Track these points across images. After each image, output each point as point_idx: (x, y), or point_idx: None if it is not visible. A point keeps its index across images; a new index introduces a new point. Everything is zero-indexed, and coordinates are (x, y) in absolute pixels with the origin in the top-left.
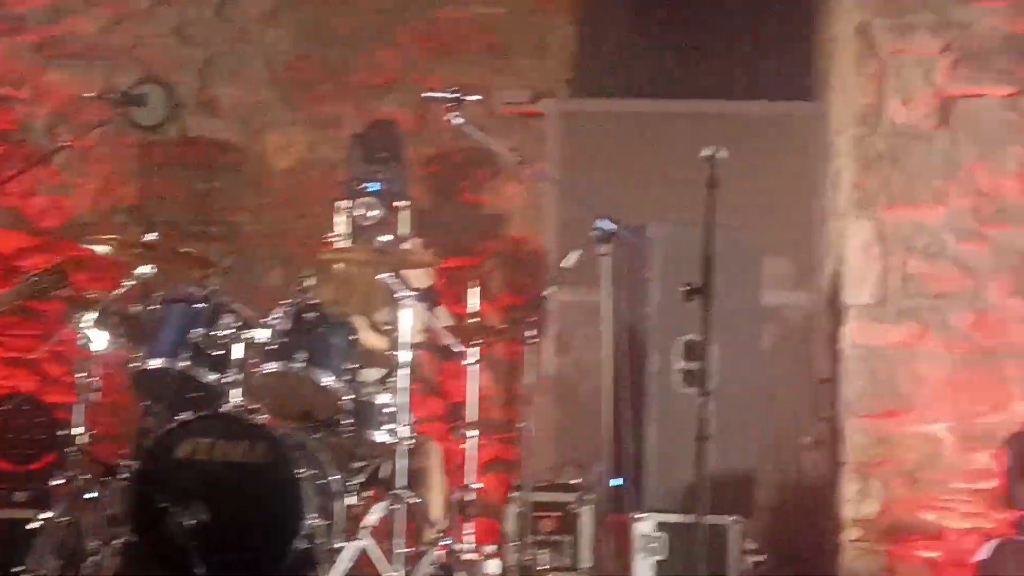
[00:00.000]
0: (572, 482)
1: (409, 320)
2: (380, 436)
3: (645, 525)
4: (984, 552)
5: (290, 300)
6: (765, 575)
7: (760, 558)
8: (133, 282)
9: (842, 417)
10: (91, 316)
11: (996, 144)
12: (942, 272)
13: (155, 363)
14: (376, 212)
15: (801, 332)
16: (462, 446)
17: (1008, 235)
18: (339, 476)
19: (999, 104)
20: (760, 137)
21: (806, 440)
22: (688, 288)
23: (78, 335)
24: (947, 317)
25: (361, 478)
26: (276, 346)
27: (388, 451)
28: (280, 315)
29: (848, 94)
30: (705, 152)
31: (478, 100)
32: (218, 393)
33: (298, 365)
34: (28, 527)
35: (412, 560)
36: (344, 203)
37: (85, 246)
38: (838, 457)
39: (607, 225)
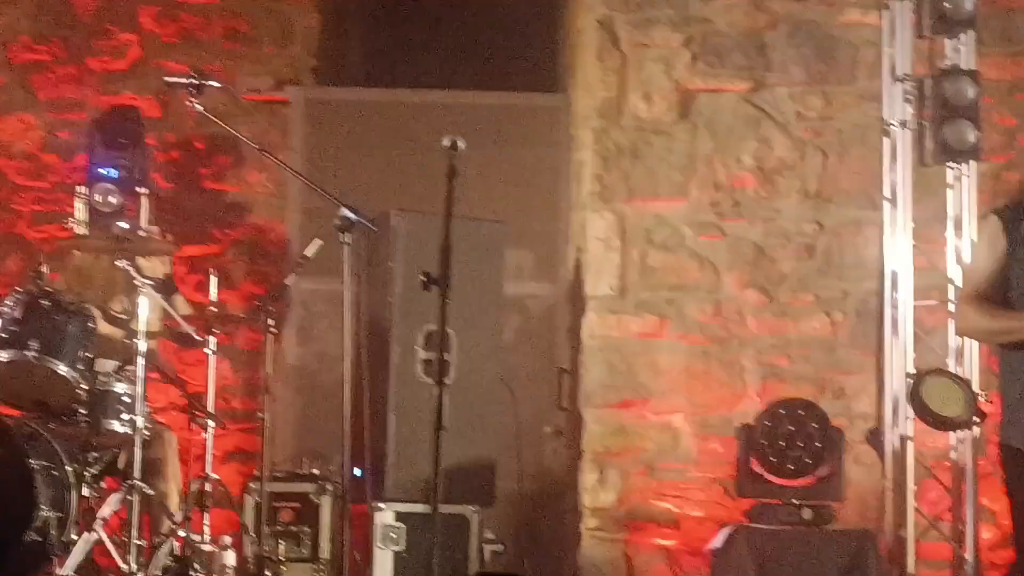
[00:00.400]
0: (312, 472)
1: (147, 308)
2: (116, 426)
3: (385, 515)
4: (718, 540)
5: (24, 287)
6: (505, 565)
7: (500, 548)
8: None
9: (582, 407)
10: None
11: (734, 138)
12: (680, 264)
13: None
14: (114, 199)
15: (543, 322)
16: (201, 436)
17: (744, 228)
18: (74, 467)
19: (737, 99)
20: (505, 128)
21: (547, 430)
22: (426, 278)
23: None
24: (685, 309)
25: (97, 469)
26: (8, 334)
27: (125, 441)
28: (13, 302)
29: (591, 87)
30: (444, 142)
31: (220, 86)
32: None
33: (31, 353)
34: None
35: (148, 552)
36: (82, 189)
37: None
38: (578, 447)
39: (350, 214)
